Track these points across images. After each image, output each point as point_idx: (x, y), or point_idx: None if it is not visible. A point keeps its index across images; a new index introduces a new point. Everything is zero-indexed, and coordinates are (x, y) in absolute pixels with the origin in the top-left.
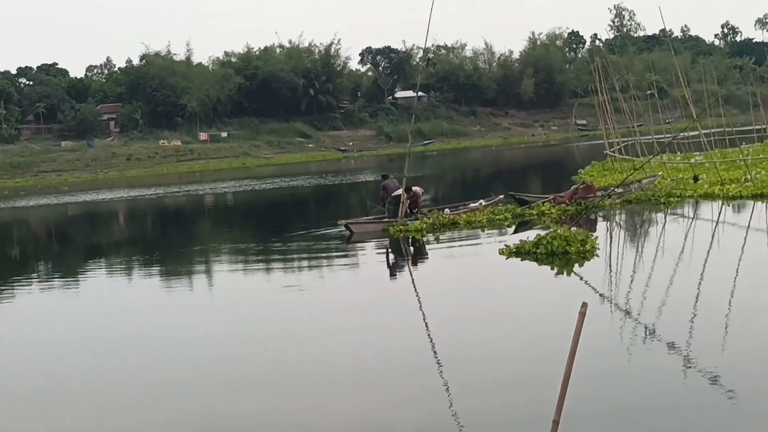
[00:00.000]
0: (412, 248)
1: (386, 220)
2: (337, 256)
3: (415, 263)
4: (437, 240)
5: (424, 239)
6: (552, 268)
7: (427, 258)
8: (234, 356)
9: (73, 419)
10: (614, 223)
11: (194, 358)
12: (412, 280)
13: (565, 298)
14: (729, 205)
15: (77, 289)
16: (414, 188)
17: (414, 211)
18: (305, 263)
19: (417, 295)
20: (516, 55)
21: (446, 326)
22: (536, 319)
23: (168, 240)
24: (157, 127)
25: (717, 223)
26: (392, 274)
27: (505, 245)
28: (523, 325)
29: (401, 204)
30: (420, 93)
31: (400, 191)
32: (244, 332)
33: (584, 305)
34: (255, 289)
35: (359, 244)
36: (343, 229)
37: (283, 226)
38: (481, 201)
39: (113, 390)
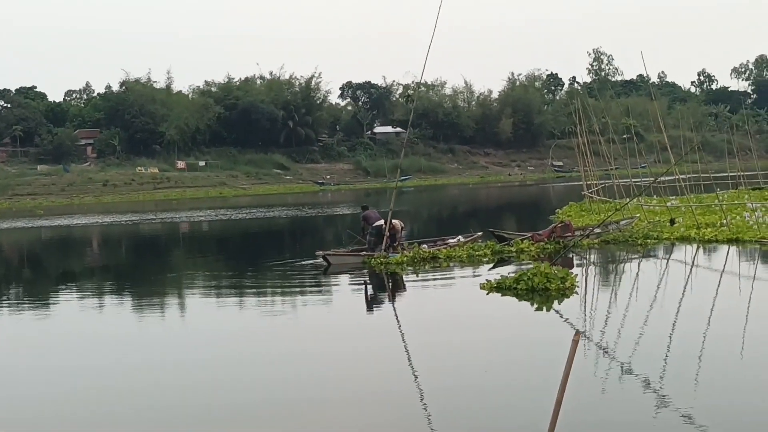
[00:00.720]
0: (392, 282)
1: (364, 252)
2: (315, 289)
3: (395, 297)
4: (417, 274)
5: (404, 273)
6: (532, 304)
7: (408, 292)
8: (207, 384)
9: None
10: (593, 263)
11: (166, 387)
12: (394, 313)
13: (545, 333)
14: (704, 249)
15: (46, 317)
16: (393, 221)
17: (395, 245)
18: (281, 294)
19: (399, 328)
20: (495, 95)
21: (426, 360)
22: (516, 354)
23: (142, 267)
24: (134, 154)
25: (693, 265)
26: (373, 308)
27: (486, 280)
28: (503, 359)
29: (384, 236)
30: (398, 129)
31: (381, 222)
32: (216, 361)
33: (577, 333)
34: (228, 320)
35: (338, 276)
36: (321, 260)
37: (258, 256)
38: (460, 237)
39: (75, 424)
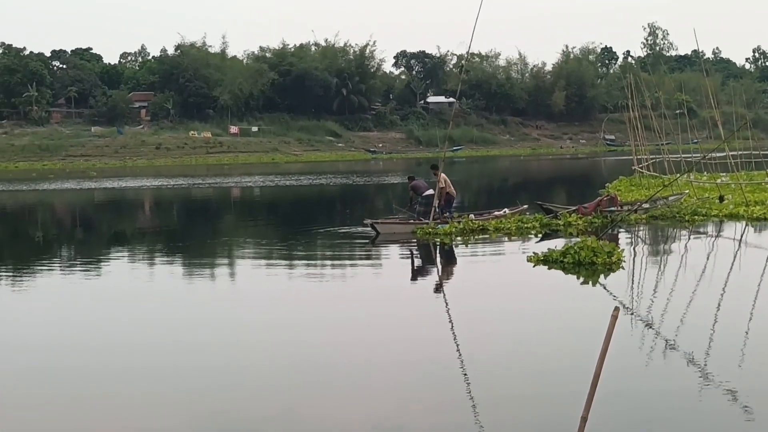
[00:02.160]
0: (440, 252)
1: (412, 222)
2: (361, 259)
3: (443, 267)
4: (466, 245)
5: (453, 243)
6: (578, 278)
7: (455, 263)
8: (248, 358)
9: (76, 418)
10: (640, 238)
11: (207, 358)
12: (440, 283)
13: (590, 307)
14: (753, 227)
15: (96, 278)
16: (445, 178)
17: (445, 214)
18: (329, 262)
19: (444, 299)
20: (549, 67)
21: (473, 330)
22: (561, 327)
23: (192, 231)
24: (188, 118)
25: (741, 243)
26: (419, 278)
27: (533, 253)
28: (548, 332)
29: (432, 207)
30: (451, 99)
31: (431, 191)
32: (261, 333)
33: (616, 309)
34: (275, 288)
35: (387, 246)
36: (369, 228)
37: (308, 222)
38: (506, 210)
39: (120, 386)
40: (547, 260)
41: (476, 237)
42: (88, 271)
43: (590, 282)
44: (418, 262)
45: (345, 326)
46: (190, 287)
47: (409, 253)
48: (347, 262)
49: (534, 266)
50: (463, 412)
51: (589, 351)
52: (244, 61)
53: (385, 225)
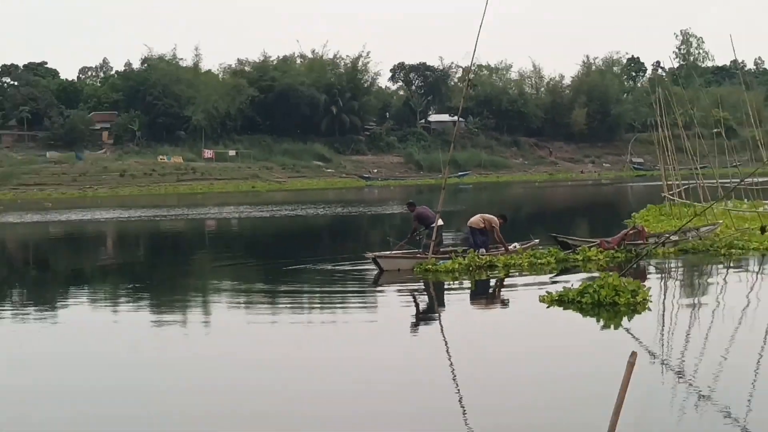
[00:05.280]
0: (443, 292)
1: (420, 255)
2: (359, 300)
3: (446, 308)
4: (472, 283)
5: (457, 282)
6: (598, 320)
7: (459, 303)
8: (230, 413)
9: None
10: (669, 274)
11: (184, 411)
12: (441, 327)
13: (612, 353)
14: None
15: (52, 326)
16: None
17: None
18: (322, 307)
19: (446, 344)
20: (567, 81)
21: (478, 378)
22: (578, 376)
23: (162, 270)
24: (156, 141)
25: None
26: (420, 322)
27: (547, 292)
28: (563, 381)
29: (432, 242)
30: (456, 117)
31: (440, 222)
32: (242, 389)
33: (633, 355)
34: (258, 339)
35: (386, 286)
36: (370, 263)
37: (295, 259)
38: (516, 244)
39: None
40: (563, 300)
41: (484, 274)
42: (42, 319)
43: (611, 325)
44: (422, 305)
45: (342, 378)
46: (157, 342)
47: (412, 293)
48: (344, 305)
49: (548, 307)
50: None
51: (607, 401)
52: (220, 75)
53: (388, 260)
